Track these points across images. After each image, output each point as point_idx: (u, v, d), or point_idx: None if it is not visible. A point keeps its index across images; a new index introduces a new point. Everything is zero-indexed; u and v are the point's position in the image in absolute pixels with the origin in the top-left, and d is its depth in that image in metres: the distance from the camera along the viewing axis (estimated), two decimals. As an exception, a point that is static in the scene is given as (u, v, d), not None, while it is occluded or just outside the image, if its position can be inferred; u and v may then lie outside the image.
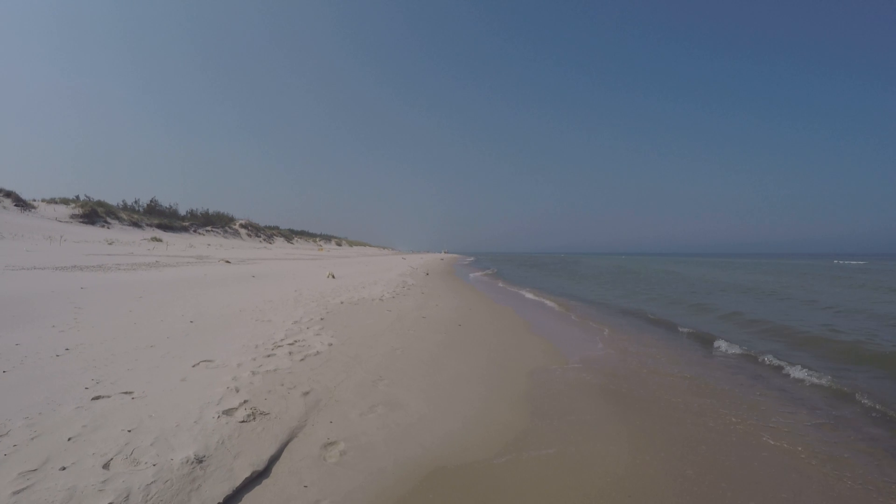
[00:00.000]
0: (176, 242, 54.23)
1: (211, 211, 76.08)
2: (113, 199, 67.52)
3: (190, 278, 17.18)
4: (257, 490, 3.65)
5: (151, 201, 69.61)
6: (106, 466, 3.53)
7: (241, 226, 76.73)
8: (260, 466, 3.93)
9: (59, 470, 3.42)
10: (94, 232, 51.45)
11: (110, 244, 42.12)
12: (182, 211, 73.45)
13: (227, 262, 29.11)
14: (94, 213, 57.68)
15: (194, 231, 67.40)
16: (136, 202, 68.43)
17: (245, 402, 4.98)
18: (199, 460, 3.78)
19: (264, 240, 77.44)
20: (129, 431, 4.06)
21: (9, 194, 53.03)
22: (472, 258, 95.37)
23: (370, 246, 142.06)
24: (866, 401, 6.57)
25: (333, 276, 19.69)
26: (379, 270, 27.77)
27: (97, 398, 4.72)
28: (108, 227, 57.12)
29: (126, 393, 4.90)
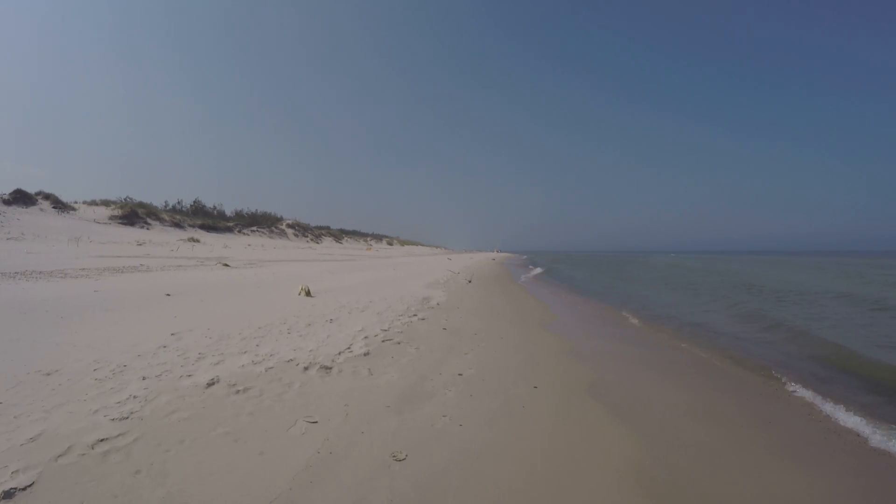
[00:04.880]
0: (213, 243, 48.69)
1: (258, 211, 70.36)
2: (169, 201, 62.77)
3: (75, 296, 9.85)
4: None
5: (195, 202, 64.16)
6: None
7: (289, 226, 70.65)
8: None
9: None
10: (129, 233, 46.84)
11: (139, 245, 37.09)
12: (229, 211, 67.99)
13: (226, 265, 22.12)
14: (133, 215, 53.27)
15: (239, 231, 61.66)
16: (178, 203, 62.91)
17: None
18: None
19: (312, 240, 70.97)
20: None
21: (48, 196, 49.92)
22: (525, 257, 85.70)
23: (422, 245, 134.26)
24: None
25: (308, 293, 11.44)
26: (404, 278, 19.25)
27: None
28: (148, 228, 52.43)
29: None
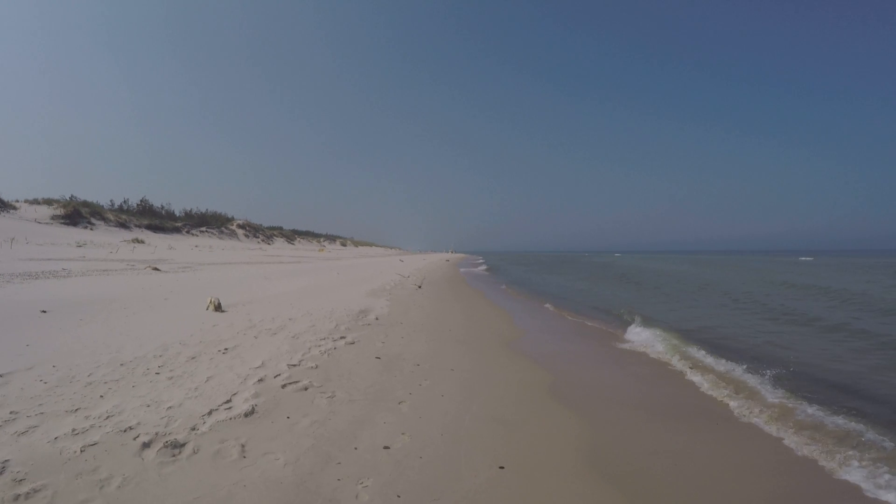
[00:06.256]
0: (157, 244, 44.84)
1: (208, 211, 66.30)
2: (116, 200, 58.44)
3: None
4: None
5: (141, 201, 59.72)
6: None
7: (239, 226, 66.63)
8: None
9: None
10: (71, 233, 42.59)
11: (79, 247, 33.31)
12: (178, 211, 63.77)
13: (156, 269, 19.38)
14: (76, 214, 48.94)
15: (187, 232, 57.64)
16: (125, 202, 58.57)
17: None
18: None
19: (263, 241, 67.19)
20: None
21: None
22: (481, 259, 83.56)
23: (376, 246, 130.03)
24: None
25: (219, 307, 8.98)
26: (346, 283, 16.55)
27: None
28: (92, 229, 48.18)
29: None
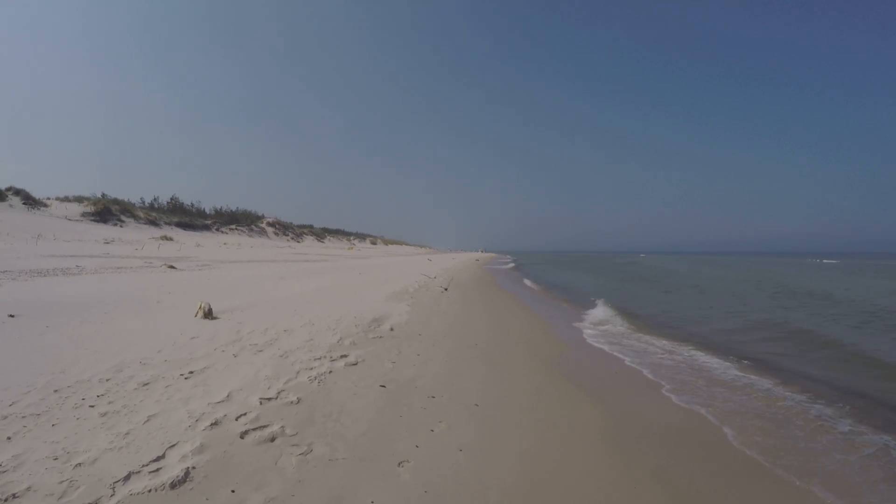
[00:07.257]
0: (185, 241, 44.70)
1: (238, 209, 66.43)
2: (146, 198, 59.07)
3: None
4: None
5: (172, 199, 59.96)
6: None
7: (269, 224, 66.52)
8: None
9: None
10: (100, 230, 42.73)
11: (106, 243, 33.13)
12: (208, 209, 64.00)
13: (172, 267, 18.54)
14: (106, 212, 49.41)
15: (217, 229, 57.67)
16: (155, 199, 58.89)
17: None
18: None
19: (292, 238, 66.89)
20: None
21: (18, 192, 45.86)
22: (510, 258, 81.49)
23: (406, 245, 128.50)
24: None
25: (209, 314, 7.75)
26: (365, 284, 15.09)
27: None
28: (121, 226, 48.47)
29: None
